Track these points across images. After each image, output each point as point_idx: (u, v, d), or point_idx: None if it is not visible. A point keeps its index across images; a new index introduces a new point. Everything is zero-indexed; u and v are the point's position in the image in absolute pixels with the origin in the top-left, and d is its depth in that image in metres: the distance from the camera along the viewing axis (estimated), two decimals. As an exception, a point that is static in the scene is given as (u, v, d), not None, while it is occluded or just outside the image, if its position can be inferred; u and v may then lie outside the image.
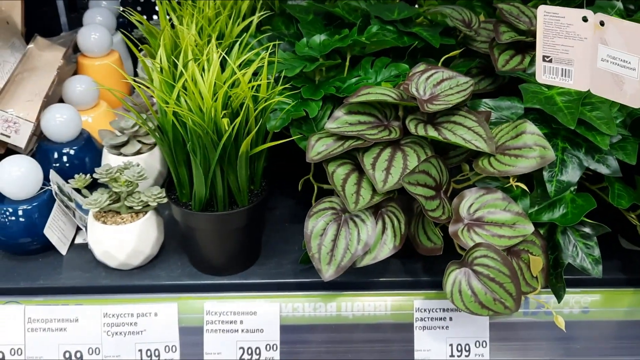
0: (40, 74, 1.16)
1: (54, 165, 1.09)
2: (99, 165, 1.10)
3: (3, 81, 1.15)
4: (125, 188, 0.91)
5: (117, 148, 1.07)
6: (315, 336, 0.93)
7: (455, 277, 0.79)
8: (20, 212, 0.95)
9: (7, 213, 0.95)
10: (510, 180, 0.83)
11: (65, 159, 1.09)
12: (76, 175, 0.95)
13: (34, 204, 0.96)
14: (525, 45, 1.04)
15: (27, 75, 1.15)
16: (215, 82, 0.84)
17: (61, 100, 1.18)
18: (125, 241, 0.91)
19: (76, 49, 1.30)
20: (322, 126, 0.95)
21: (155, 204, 0.91)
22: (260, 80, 0.86)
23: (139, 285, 0.93)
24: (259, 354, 0.92)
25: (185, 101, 0.84)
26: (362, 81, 0.97)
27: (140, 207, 0.92)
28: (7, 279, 0.94)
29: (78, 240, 1.01)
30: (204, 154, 0.84)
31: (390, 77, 0.99)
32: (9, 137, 1.07)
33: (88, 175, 0.96)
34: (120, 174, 0.92)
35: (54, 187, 0.98)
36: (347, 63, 1.01)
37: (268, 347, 0.92)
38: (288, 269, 0.95)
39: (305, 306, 0.93)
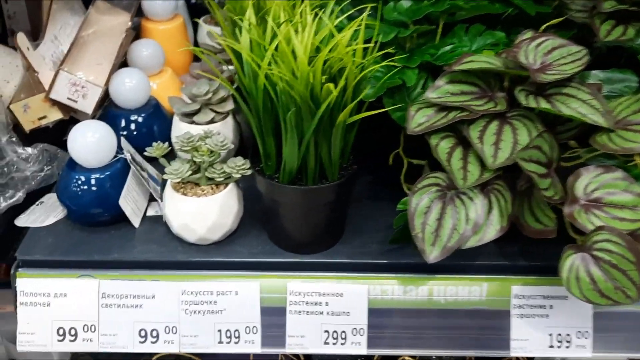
0: (105, 38, 1.10)
1: (122, 132, 1.03)
2: (167, 134, 1.05)
3: (67, 44, 1.10)
4: (207, 158, 0.86)
5: (189, 116, 1.01)
6: (405, 321, 0.87)
7: (573, 262, 0.73)
8: (93, 181, 0.90)
9: (80, 181, 0.90)
10: (636, 158, 0.76)
11: (133, 126, 1.03)
12: (154, 144, 0.90)
13: (107, 173, 0.90)
14: (628, 14, 0.96)
15: (91, 39, 1.09)
16: (312, 45, 0.78)
17: (124, 66, 1.12)
18: (207, 214, 0.86)
19: (137, 13, 1.24)
20: (414, 96, 0.89)
21: (238, 175, 0.85)
22: (357, 44, 0.80)
23: (219, 261, 0.88)
24: (345, 338, 0.87)
25: (274, 65, 0.78)
26: (458, 49, 0.91)
27: (222, 179, 0.87)
28: (80, 251, 0.89)
29: (150, 212, 0.96)
30: (298, 123, 0.78)
31: (486, 45, 0.92)
32: (75, 101, 1.02)
33: (166, 143, 0.90)
34: (202, 142, 0.87)
35: (127, 155, 0.92)
36: (440, 30, 0.94)
37: (354, 331, 0.87)
38: (375, 249, 0.89)
39: (395, 289, 0.87)
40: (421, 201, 0.77)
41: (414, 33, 0.92)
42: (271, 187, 0.83)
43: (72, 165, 0.91)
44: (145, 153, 0.90)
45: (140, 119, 1.03)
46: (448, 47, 0.91)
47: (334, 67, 0.78)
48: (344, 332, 0.87)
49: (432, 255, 0.76)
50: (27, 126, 1.07)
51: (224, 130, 1.02)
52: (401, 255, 0.88)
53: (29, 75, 1.04)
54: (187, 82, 1.10)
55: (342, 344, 0.87)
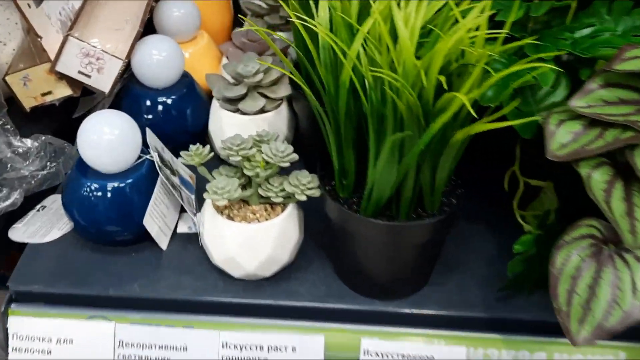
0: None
1: (146, 117, 0.81)
2: (203, 120, 0.83)
3: (74, 3, 0.87)
4: (263, 172, 0.64)
5: (232, 102, 0.79)
6: (513, 393, 0.67)
7: None
8: (110, 191, 0.68)
9: (93, 191, 0.68)
10: None
11: (161, 110, 0.81)
12: (192, 146, 0.67)
13: (129, 180, 0.69)
14: None
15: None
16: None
17: (150, 32, 0.89)
18: (259, 245, 0.64)
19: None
20: (541, 97, 0.66)
21: (303, 197, 0.63)
22: (480, 29, 0.56)
23: (272, 305, 0.67)
24: (433, 412, 0.67)
25: (363, 55, 0.55)
26: (600, 33, 0.67)
27: (280, 200, 0.65)
28: (92, 281, 0.68)
29: (181, 229, 0.75)
30: (400, 141, 0.55)
31: (636, 26, 0.68)
32: (89, 76, 0.80)
33: (206, 148, 0.67)
34: (257, 149, 0.64)
35: (155, 157, 0.70)
36: (574, 5, 0.70)
37: (446, 403, 0.66)
38: (476, 297, 0.68)
39: (503, 353, 0.66)
40: (569, 260, 0.55)
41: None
42: (348, 217, 0.61)
43: (83, 167, 0.69)
44: (180, 160, 0.68)
45: (170, 102, 0.81)
46: (587, 31, 0.67)
47: (452, 61, 0.55)
48: (432, 404, 0.66)
49: (580, 336, 0.54)
50: (28, 103, 0.85)
51: (277, 122, 0.79)
52: (514, 307, 0.67)
53: (30, 40, 0.82)
54: (229, 53, 0.87)
55: (429, 419, 0.67)
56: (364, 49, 0.56)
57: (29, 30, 0.80)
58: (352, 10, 0.58)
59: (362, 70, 0.55)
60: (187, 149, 0.80)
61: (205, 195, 0.64)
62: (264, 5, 0.95)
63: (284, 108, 0.80)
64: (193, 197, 0.74)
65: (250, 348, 0.66)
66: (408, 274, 0.66)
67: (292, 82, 0.79)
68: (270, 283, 0.68)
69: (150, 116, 0.81)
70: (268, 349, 0.66)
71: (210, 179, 0.67)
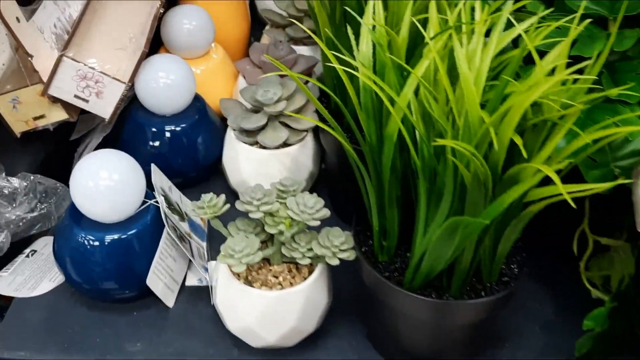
0: (128, 7, 0.76)
1: (151, 149, 0.71)
2: (216, 152, 0.73)
3: (72, 12, 0.77)
4: (289, 232, 0.54)
5: (251, 134, 0.69)
6: None
7: None
8: (109, 244, 0.59)
9: (89, 243, 0.59)
10: None
11: (168, 140, 0.71)
12: (204, 196, 0.57)
13: (131, 232, 0.59)
14: None
15: (109, 9, 0.75)
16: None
17: (155, 44, 0.79)
18: (282, 315, 0.55)
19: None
20: (618, 145, 0.55)
21: (335, 261, 0.54)
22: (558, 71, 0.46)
23: (296, 383, 0.57)
24: None
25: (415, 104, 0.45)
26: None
27: (307, 262, 0.55)
28: (86, 346, 0.59)
29: (190, 281, 0.65)
30: (458, 205, 0.45)
31: None
32: (86, 101, 0.70)
33: (221, 198, 0.57)
34: (282, 204, 0.55)
35: (161, 203, 0.61)
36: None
37: None
38: (534, 371, 0.58)
39: None
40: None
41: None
42: (390, 291, 0.51)
43: (77, 214, 0.60)
44: (191, 214, 0.58)
45: (178, 130, 0.71)
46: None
47: (528, 116, 0.44)
48: None
49: None
50: (18, 128, 0.75)
51: (301, 157, 0.69)
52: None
53: (19, 59, 0.72)
54: (247, 72, 0.77)
55: None
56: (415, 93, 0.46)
57: (18, 48, 0.70)
58: (400, 45, 0.48)
59: (412, 121, 0.45)
60: (197, 184, 0.71)
61: (219, 258, 0.54)
62: (285, 15, 0.85)
63: (309, 140, 0.70)
64: (204, 245, 0.64)
65: None
66: (456, 351, 0.56)
67: (319, 111, 0.69)
68: (293, 352, 0.59)
69: (155, 147, 0.71)
70: None
71: (225, 234, 0.57)
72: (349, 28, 0.52)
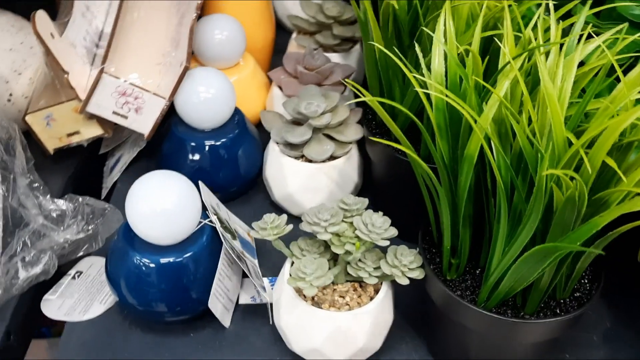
0: (155, 21, 0.75)
1: (191, 161, 0.70)
2: (257, 165, 0.72)
3: (103, 16, 0.75)
4: (357, 253, 0.53)
5: (296, 148, 0.68)
6: None
7: None
8: (166, 267, 0.58)
9: (146, 266, 0.58)
10: None
11: (210, 155, 0.70)
12: (266, 217, 0.56)
13: (188, 254, 0.58)
14: None
15: (143, 20, 0.74)
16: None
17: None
18: (351, 335, 0.54)
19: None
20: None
21: (405, 281, 0.53)
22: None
23: (364, 401, 0.57)
24: None
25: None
26: None
27: (375, 281, 0.54)
28: (146, 374, 0.58)
29: (243, 299, 0.64)
30: (541, 225, 0.45)
31: None
32: (125, 117, 0.68)
33: (283, 217, 0.56)
34: (347, 223, 0.54)
35: (216, 223, 0.60)
36: None
37: None
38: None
39: None
40: None
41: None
42: (463, 309, 0.51)
43: (132, 237, 0.58)
44: (253, 233, 0.57)
45: (220, 145, 0.70)
46: None
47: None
48: None
49: None
50: (51, 145, 0.74)
51: (348, 170, 0.69)
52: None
53: (55, 76, 0.70)
54: (283, 83, 0.76)
55: None
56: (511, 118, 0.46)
57: (53, 64, 0.68)
58: (477, 63, 0.48)
59: (494, 142, 0.45)
60: (237, 197, 0.70)
61: (289, 282, 0.53)
62: (312, 20, 0.84)
63: (354, 153, 0.69)
64: (256, 262, 0.63)
65: None
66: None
67: (362, 122, 0.69)
68: (356, 370, 0.58)
69: (196, 162, 0.70)
70: None
71: (287, 254, 0.56)
72: (416, 45, 0.51)
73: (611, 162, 0.41)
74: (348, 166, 0.68)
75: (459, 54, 0.49)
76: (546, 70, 0.43)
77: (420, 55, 0.50)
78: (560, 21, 0.49)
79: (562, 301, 0.52)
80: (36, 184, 0.62)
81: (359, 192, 0.72)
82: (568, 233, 0.43)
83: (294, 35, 0.85)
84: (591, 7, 0.56)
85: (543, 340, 0.52)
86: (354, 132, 0.68)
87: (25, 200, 0.60)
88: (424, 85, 0.50)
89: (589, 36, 0.48)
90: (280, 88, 0.76)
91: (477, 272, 0.54)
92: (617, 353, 0.61)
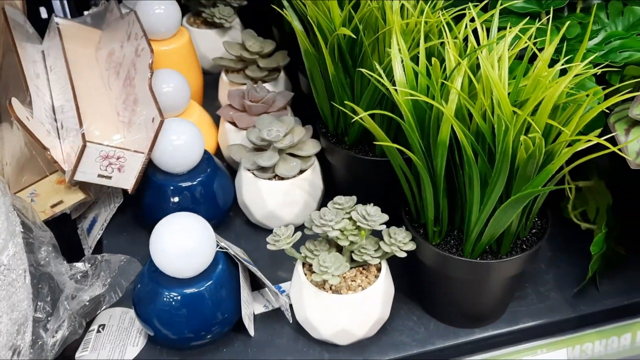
0: (102, 84, 0.82)
1: (172, 203, 0.78)
2: (231, 194, 0.81)
3: (46, 89, 0.81)
4: (362, 240, 0.64)
5: (266, 170, 0.78)
6: (609, 378, 0.73)
7: None
8: (195, 297, 0.66)
9: (175, 299, 0.65)
10: None
11: (190, 194, 0.78)
12: (277, 230, 0.66)
13: (212, 280, 0.66)
14: None
15: (85, 89, 0.81)
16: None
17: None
18: (370, 310, 0.65)
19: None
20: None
21: (403, 254, 0.65)
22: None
23: (388, 362, 0.68)
24: (548, 415, 0.71)
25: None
26: (611, 38, 0.73)
27: (377, 261, 0.66)
28: (200, 392, 0.66)
29: (257, 309, 0.73)
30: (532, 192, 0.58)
31: (633, 26, 0.76)
32: (109, 178, 0.75)
33: (290, 227, 0.66)
34: (349, 219, 0.65)
35: (227, 248, 0.68)
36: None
37: (558, 404, 0.71)
38: (556, 300, 0.73)
39: (596, 345, 0.72)
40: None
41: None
42: (459, 264, 0.64)
43: (156, 277, 0.66)
44: (269, 247, 0.66)
45: (195, 184, 0.78)
46: (598, 39, 0.74)
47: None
48: (546, 408, 0.71)
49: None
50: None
51: (315, 180, 0.80)
52: (592, 302, 0.73)
53: (36, 154, 0.75)
54: (237, 118, 0.85)
55: (546, 423, 0.71)
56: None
57: (32, 142, 0.73)
58: (435, 69, 0.60)
59: (458, 127, 0.57)
60: (218, 227, 0.78)
61: (314, 277, 0.63)
62: (236, 59, 0.94)
63: (316, 164, 0.80)
64: (257, 270, 0.72)
65: (377, 409, 0.67)
66: (503, 299, 0.69)
67: (317, 137, 0.80)
68: (372, 342, 0.69)
69: (178, 205, 0.78)
70: (394, 404, 0.67)
71: (299, 257, 0.66)
72: (376, 64, 0.63)
73: (553, 122, 0.55)
74: (314, 176, 0.79)
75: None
76: (488, 62, 0.56)
77: (379, 69, 0.62)
78: (483, 25, 0.62)
79: (525, 239, 0.66)
80: (54, 253, 0.67)
81: (325, 195, 0.82)
82: (530, 182, 0.57)
83: (222, 75, 0.95)
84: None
85: (516, 273, 0.65)
86: (312, 146, 0.79)
87: (53, 269, 0.65)
88: (388, 92, 0.62)
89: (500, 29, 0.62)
90: (233, 123, 0.85)
91: (455, 233, 0.67)
92: (562, 274, 0.76)
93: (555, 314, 0.72)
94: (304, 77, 0.89)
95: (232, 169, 0.87)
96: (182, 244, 0.64)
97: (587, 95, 0.57)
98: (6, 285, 0.57)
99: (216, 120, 0.90)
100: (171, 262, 0.64)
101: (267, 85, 0.91)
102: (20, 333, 0.61)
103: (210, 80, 1.02)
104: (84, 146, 0.72)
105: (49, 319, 0.64)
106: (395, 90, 0.59)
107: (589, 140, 0.54)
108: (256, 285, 0.75)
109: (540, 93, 0.55)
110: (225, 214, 0.82)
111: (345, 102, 0.70)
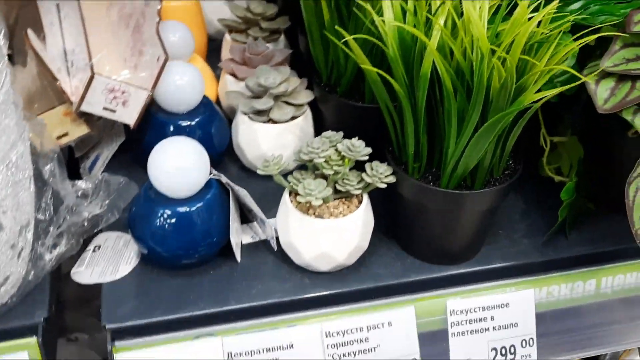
0: (122, 24, 0.87)
1: (171, 143, 0.82)
2: (227, 138, 0.86)
3: (70, 40, 0.86)
4: (345, 169, 0.69)
5: (263, 114, 0.83)
6: (573, 322, 0.77)
7: None
8: (189, 216, 0.70)
9: (168, 216, 0.70)
10: None
11: (187, 133, 0.83)
12: (269, 157, 0.71)
13: (204, 202, 0.71)
14: None
15: (104, 27, 0.86)
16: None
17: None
18: (349, 236, 0.70)
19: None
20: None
21: (383, 185, 0.70)
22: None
23: (364, 289, 0.72)
24: (514, 352, 0.76)
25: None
26: (589, 4, 0.78)
27: (359, 191, 0.70)
28: (185, 304, 0.70)
29: (245, 240, 0.78)
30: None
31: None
32: (114, 111, 0.80)
33: (280, 156, 0.71)
34: (336, 150, 0.70)
35: (223, 177, 0.73)
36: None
37: (524, 342, 0.76)
38: (527, 246, 0.78)
39: (562, 288, 0.76)
40: (638, 191, 0.65)
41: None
42: (436, 195, 0.68)
43: (152, 197, 0.71)
44: (259, 171, 0.71)
45: (194, 124, 0.83)
46: (577, 5, 0.79)
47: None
48: (512, 346, 0.75)
49: (655, 251, 0.65)
50: (42, 148, 0.83)
51: (307, 127, 0.84)
52: (561, 249, 0.77)
53: (47, 84, 0.80)
54: (237, 70, 0.90)
55: (511, 359, 0.76)
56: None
57: (44, 73, 0.78)
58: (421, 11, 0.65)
59: (439, 60, 0.62)
60: (215, 168, 0.83)
61: (299, 198, 0.68)
62: (240, 20, 0.99)
63: (308, 112, 0.85)
64: (256, 208, 0.76)
65: (352, 332, 0.71)
66: (476, 238, 0.74)
67: (311, 88, 0.85)
68: (351, 271, 0.74)
69: (176, 141, 0.82)
70: (367, 328, 0.72)
71: (286, 186, 0.71)
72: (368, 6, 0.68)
73: (526, 57, 0.60)
74: (305, 123, 0.84)
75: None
76: (470, 3, 0.61)
77: (369, 9, 0.67)
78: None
79: (498, 178, 0.71)
80: (59, 168, 0.72)
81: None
82: (503, 113, 0.62)
83: (226, 34, 1.00)
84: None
85: (486, 208, 0.70)
86: (305, 95, 0.84)
87: (58, 183, 0.70)
88: (378, 34, 0.67)
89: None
90: (233, 75, 0.90)
91: (433, 170, 0.72)
92: (535, 224, 0.80)
93: (526, 257, 0.76)
94: (304, 40, 0.94)
95: (230, 120, 0.92)
96: (179, 161, 0.68)
97: (561, 32, 0.62)
98: (13, 183, 0.62)
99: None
100: (167, 178, 0.69)
101: (270, 45, 0.96)
102: (22, 234, 0.65)
103: (214, 46, 1.07)
104: (92, 77, 0.77)
105: (50, 226, 0.68)
106: (383, 21, 0.64)
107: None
108: (245, 219, 0.80)
109: (516, 29, 0.60)
110: (221, 156, 0.87)
111: (335, 27, 0.74)
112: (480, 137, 0.63)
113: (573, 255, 0.77)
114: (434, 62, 0.63)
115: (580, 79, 0.66)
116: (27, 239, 0.66)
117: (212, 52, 1.05)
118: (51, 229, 0.68)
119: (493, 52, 0.60)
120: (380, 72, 0.65)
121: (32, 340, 0.67)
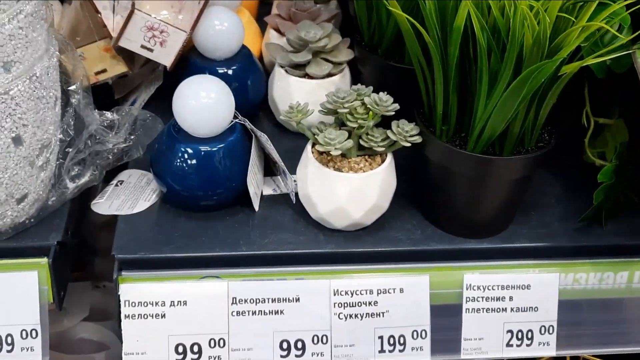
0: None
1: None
2: (262, 90, 0.85)
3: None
4: (369, 122, 0.67)
5: (299, 68, 0.81)
6: (599, 315, 0.73)
7: None
8: (209, 156, 0.70)
9: (193, 157, 0.69)
10: None
11: (225, 80, 0.82)
12: (292, 104, 0.69)
13: (226, 144, 0.70)
14: None
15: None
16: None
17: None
18: (368, 194, 0.68)
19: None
20: (609, 41, 0.72)
21: (407, 144, 0.67)
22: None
23: (378, 251, 0.70)
24: (531, 338, 0.72)
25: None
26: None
27: (383, 149, 0.68)
28: (197, 244, 0.69)
29: (266, 191, 0.76)
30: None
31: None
32: (151, 50, 0.80)
33: (304, 104, 0.70)
34: (359, 102, 0.67)
35: (247, 122, 0.72)
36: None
37: (543, 329, 0.72)
38: (558, 229, 0.74)
39: (590, 277, 0.72)
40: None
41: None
42: (457, 157, 0.65)
43: (175, 134, 0.70)
44: (281, 117, 0.70)
45: (231, 73, 0.82)
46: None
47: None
48: (530, 331, 0.72)
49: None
50: (81, 83, 0.84)
51: (343, 86, 0.82)
52: (594, 236, 0.73)
53: (89, 17, 0.81)
54: (280, 25, 0.89)
55: (528, 345, 0.72)
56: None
57: (87, 5, 0.79)
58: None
59: (475, 14, 0.59)
60: (249, 119, 0.82)
61: (317, 147, 0.66)
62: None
63: (347, 72, 0.83)
64: (278, 158, 0.75)
65: (361, 293, 0.69)
66: (503, 211, 0.70)
67: (352, 47, 0.83)
68: (368, 233, 0.71)
69: (211, 88, 0.82)
70: (377, 292, 0.69)
71: (309, 135, 0.69)
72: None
73: (562, 14, 0.56)
74: (342, 83, 0.82)
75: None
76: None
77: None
78: None
79: (529, 149, 0.67)
80: (87, 98, 0.72)
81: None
82: (532, 68, 0.58)
83: (276, -2, 0.99)
84: None
85: (514, 178, 0.66)
86: (346, 54, 0.82)
87: (85, 109, 0.70)
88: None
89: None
90: (277, 30, 0.89)
91: (462, 135, 0.69)
92: (570, 209, 0.76)
93: (554, 240, 0.72)
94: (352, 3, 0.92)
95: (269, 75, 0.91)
96: (203, 97, 0.68)
97: None
98: (36, 98, 0.62)
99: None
100: (190, 114, 0.68)
101: (320, 5, 0.95)
102: (43, 154, 0.66)
103: (265, 11, 1.06)
104: (132, 12, 0.77)
105: (70, 147, 0.68)
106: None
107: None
108: (270, 172, 0.78)
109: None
110: (256, 108, 0.86)
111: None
112: (509, 96, 0.59)
113: (605, 244, 0.72)
114: (469, 17, 0.60)
115: (627, 50, 0.62)
116: (49, 160, 0.67)
117: (264, 14, 1.04)
118: (71, 150, 0.68)
119: (531, 8, 0.57)
120: (410, 18, 0.62)
121: (43, 260, 0.68)
